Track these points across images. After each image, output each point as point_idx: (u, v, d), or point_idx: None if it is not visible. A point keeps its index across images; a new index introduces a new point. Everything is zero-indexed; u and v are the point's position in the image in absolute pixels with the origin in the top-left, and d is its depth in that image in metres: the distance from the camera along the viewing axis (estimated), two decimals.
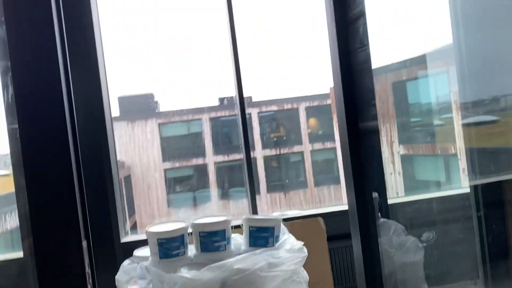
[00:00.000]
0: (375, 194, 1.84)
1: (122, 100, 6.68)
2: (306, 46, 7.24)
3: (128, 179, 6.64)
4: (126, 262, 2.37)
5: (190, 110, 6.99)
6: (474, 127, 2.48)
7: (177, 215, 7.10)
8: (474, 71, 2.24)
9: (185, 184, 7.20)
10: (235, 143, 7.01)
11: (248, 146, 3.39)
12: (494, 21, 2.05)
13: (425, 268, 2.20)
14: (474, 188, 2.17)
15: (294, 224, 2.77)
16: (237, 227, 2.46)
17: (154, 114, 6.99)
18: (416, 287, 2.16)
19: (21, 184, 1.27)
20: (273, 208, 7.24)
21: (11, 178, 1.46)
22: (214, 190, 7.05)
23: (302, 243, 2.25)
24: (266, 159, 7.37)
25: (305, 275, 2.13)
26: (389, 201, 2.06)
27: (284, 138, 7.57)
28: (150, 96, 7.04)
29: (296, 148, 7.48)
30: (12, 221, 2.81)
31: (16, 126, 1.24)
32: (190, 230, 2.29)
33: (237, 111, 3.43)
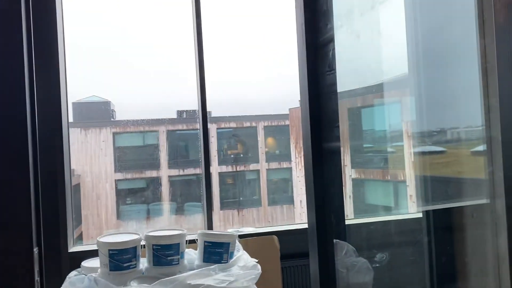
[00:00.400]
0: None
1: (76, 106, 6.48)
2: (269, 66, 7.37)
3: (76, 188, 6.39)
4: (72, 273, 2.27)
5: (147, 121, 6.88)
6: (422, 156, 2.60)
7: (126, 228, 6.88)
8: (425, 103, 2.36)
9: (137, 197, 7.02)
10: (192, 157, 6.95)
11: (209, 161, 3.38)
12: (445, 58, 2.19)
13: None
14: (425, 213, 2.27)
15: (248, 241, 2.78)
16: (192, 242, 2.44)
17: (109, 123, 6.81)
18: None
19: None
20: (225, 224, 7.19)
21: None
22: (166, 204, 6.92)
23: (257, 260, 2.26)
24: (221, 176, 7.35)
25: None
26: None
27: (241, 155, 7.60)
28: (106, 104, 6.88)
29: (253, 166, 7.52)
30: None
31: None
32: (143, 243, 2.25)
33: (200, 125, 3.42)
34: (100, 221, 6.45)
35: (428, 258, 2.05)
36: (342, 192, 1.77)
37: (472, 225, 1.80)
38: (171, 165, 6.88)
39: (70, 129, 3.17)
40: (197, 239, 2.31)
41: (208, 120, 3.48)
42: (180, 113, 6.97)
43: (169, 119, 6.91)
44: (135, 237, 2.16)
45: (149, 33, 6.36)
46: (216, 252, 2.19)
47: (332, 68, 1.41)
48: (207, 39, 3.56)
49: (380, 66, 2.84)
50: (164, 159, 6.89)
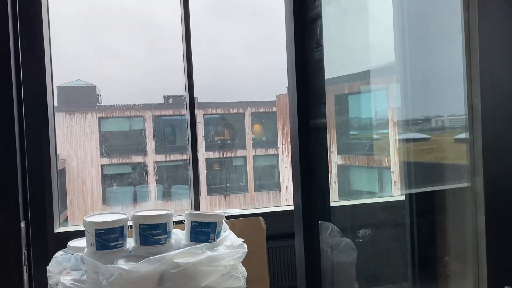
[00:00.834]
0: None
1: (61, 90, 6.39)
2: (256, 52, 7.36)
3: (62, 173, 6.33)
4: (59, 253, 2.28)
5: (133, 106, 6.82)
6: (407, 143, 2.64)
7: None
8: (411, 91, 2.39)
9: (122, 182, 6.99)
10: (178, 143, 6.94)
11: (196, 147, 3.39)
12: (432, 45, 2.21)
13: (357, 270, 2.31)
14: (407, 196, 2.32)
15: (235, 222, 2.81)
16: (179, 223, 2.46)
17: (94, 107, 6.74)
18: (348, 287, 2.26)
19: None
20: (212, 209, 7.21)
21: None
22: (153, 189, 6.91)
23: (243, 240, 2.29)
24: (208, 162, 7.36)
25: (243, 271, 2.17)
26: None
27: (228, 141, 7.60)
28: (92, 88, 6.79)
29: (240, 152, 7.53)
30: None
31: None
32: (130, 224, 2.26)
33: (187, 111, 3.42)
34: (86, 206, 6.42)
35: (410, 237, 2.11)
36: (327, 171, 1.80)
37: (453, 204, 1.86)
38: (158, 151, 6.86)
39: (55, 113, 3.14)
40: (184, 220, 2.33)
41: (195, 106, 3.47)
42: (166, 98, 6.92)
43: (155, 104, 6.86)
44: (122, 216, 2.17)
45: (135, 17, 6.28)
46: (203, 232, 2.21)
47: (319, 45, 1.42)
48: (194, 24, 3.54)
49: (367, 53, 2.87)
50: (151, 144, 6.86)
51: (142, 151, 6.86)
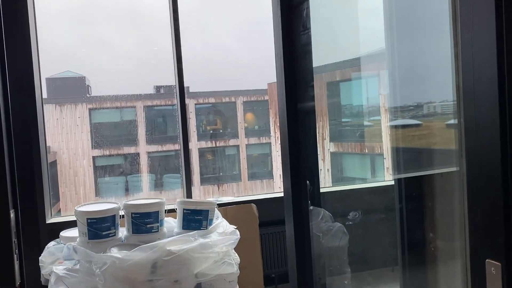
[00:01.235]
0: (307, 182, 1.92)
1: (50, 81, 6.32)
2: (248, 41, 7.31)
3: (53, 165, 6.29)
4: (51, 244, 2.28)
5: (123, 96, 6.76)
6: (399, 129, 2.65)
7: None
8: (402, 78, 2.39)
9: (115, 173, 6.96)
10: (170, 133, 6.91)
11: (187, 137, 3.38)
12: (425, 30, 2.21)
13: (349, 254, 2.33)
14: (397, 181, 2.34)
15: (228, 209, 2.82)
16: (171, 211, 2.46)
17: (84, 99, 6.67)
18: (340, 271, 2.29)
19: None
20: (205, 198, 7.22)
21: None
22: (145, 180, 6.89)
23: (235, 227, 2.30)
24: (201, 151, 7.35)
25: (236, 257, 2.18)
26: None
27: (221, 130, 7.59)
28: (82, 79, 6.73)
29: (232, 142, 7.53)
30: None
31: None
32: (121, 213, 2.25)
33: (177, 101, 3.39)
34: (78, 198, 6.39)
35: (400, 221, 2.13)
36: (317, 154, 1.81)
37: (443, 187, 1.87)
38: (149, 141, 6.83)
39: (44, 105, 3.10)
40: (176, 208, 2.33)
41: (186, 95, 3.45)
42: (157, 88, 6.88)
43: (146, 94, 6.81)
44: (113, 206, 2.17)
45: (124, 6, 6.21)
46: (195, 220, 2.22)
47: (306, 28, 1.41)
48: (184, 13, 3.50)
49: (358, 39, 2.86)
50: (142, 135, 6.83)
51: (133, 141, 6.83)
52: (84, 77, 6.63)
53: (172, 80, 3.63)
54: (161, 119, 7.17)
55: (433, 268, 2.02)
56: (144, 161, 6.79)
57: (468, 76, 0.77)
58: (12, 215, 1.25)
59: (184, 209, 2.25)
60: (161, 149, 6.91)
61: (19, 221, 1.32)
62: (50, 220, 2.81)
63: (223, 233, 2.20)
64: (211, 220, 2.27)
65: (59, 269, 1.99)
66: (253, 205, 2.92)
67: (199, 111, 7.46)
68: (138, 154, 6.84)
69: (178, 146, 3.69)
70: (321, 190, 2.41)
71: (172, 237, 2.11)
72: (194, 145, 7.16)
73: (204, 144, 7.42)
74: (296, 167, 1.60)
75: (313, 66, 1.68)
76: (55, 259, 2.12)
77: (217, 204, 2.41)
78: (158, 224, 2.19)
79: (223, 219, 2.37)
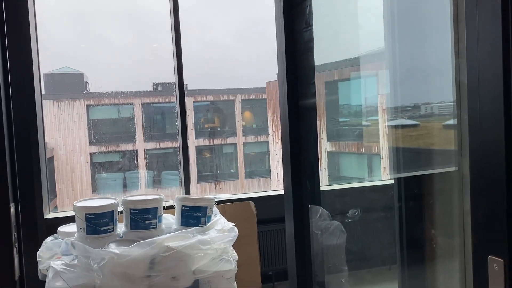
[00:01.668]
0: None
1: (48, 77, 6.29)
2: (247, 39, 7.31)
3: (50, 161, 6.27)
4: (49, 239, 2.28)
5: (122, 93, 6.74)
6: (397, 130, 2.65)
7: None
8: (401, 77, 2.39)
9: (112, 170, 6.95)
10: (168, 130, 6.90)
11: (186, 134, 3.38)
12: (424, 30, 2.21)
13: (346, 252, 2.34)
14: (396, 180, 2.34)
15: (226, 206, 2.82)
16: (170, 208, 2.46)
17: (82, 95, 6.65)
18: (338, 269, 2.30)
19: None
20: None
21: None
22: (143, 177, 6.88)
23: (233, 224, 2.30)
24: (199, 149, 7.34)
25: (234, 254, 2.18)
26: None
27: (219, 128, 7.58)
28: (80, 75, 6.71)
29: (230, 140, 7.52)
30: None
31: None
32: (120, 209, 2.25)
33: (176, 98, 3.39)
34: (75, 195, 6.38)
35: (399, 219, 2.14)
36: (317, 151, 1.81)
37: (441, 187, 1.88)
38: (147, 138, 6.82)
39: (42, 101, 3.09)
40: (174, 205, 2.33)
41: (185, 93, 3.45)
42: (156, 85, 6.87)
43: (144, 91, 6.80)
44: (112, 201, 2.17)
45: (123, 2, 6.19)
46: (193, 216, 2.22)
47: (309, 25, 1.41)
48: (184, 10, 3.50)
49: (357, 39, 2.86)
50: (140, 132, 6.82)
51: (131, 138, 6.81)
52: (82, 73, 6.61)
53: (170, 78, 3.63)
54: (159, 116, 7.16)
55: (430, 266, 2.03)
56: (141, 158, 6.78)
57: (473, 73, 0.77)
58: (12, 209, 1.25)
59: (182, 206, 2.25)
60: (159, 146, 6.90)
61: (19, 215, 1.32)
62: (48, 215, 2.80)
63: (221, 230, 2.20)
64: (210, 217, 2.27)
65: (57, 264, 1.99)
66: (251, 203, 2.92)
67: (197, 109, 7.46)
68: (136, 151, 6.83)
69: (176, 144, 3.69)
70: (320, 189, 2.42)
71: (170, 233, 2.11)
72: (192, 142, 7.15)
73: (201, 142, 7.41)
74: (297, 164, 1.60)
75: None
76: (53, 254, 2.12)
77: (216, 202, 2.41)
78: (157, 220, 2.19)
79: (222, 216, 2.37)
